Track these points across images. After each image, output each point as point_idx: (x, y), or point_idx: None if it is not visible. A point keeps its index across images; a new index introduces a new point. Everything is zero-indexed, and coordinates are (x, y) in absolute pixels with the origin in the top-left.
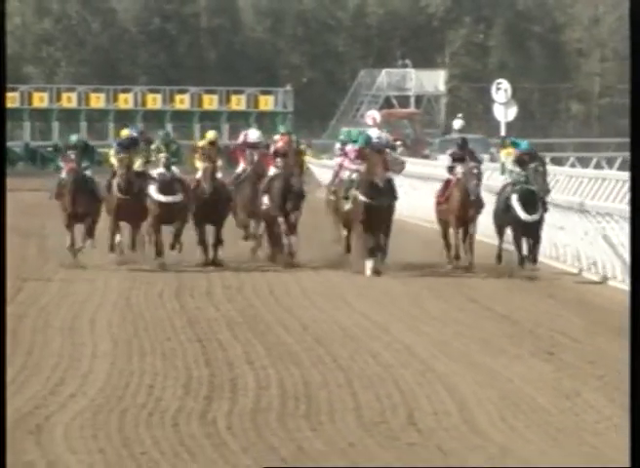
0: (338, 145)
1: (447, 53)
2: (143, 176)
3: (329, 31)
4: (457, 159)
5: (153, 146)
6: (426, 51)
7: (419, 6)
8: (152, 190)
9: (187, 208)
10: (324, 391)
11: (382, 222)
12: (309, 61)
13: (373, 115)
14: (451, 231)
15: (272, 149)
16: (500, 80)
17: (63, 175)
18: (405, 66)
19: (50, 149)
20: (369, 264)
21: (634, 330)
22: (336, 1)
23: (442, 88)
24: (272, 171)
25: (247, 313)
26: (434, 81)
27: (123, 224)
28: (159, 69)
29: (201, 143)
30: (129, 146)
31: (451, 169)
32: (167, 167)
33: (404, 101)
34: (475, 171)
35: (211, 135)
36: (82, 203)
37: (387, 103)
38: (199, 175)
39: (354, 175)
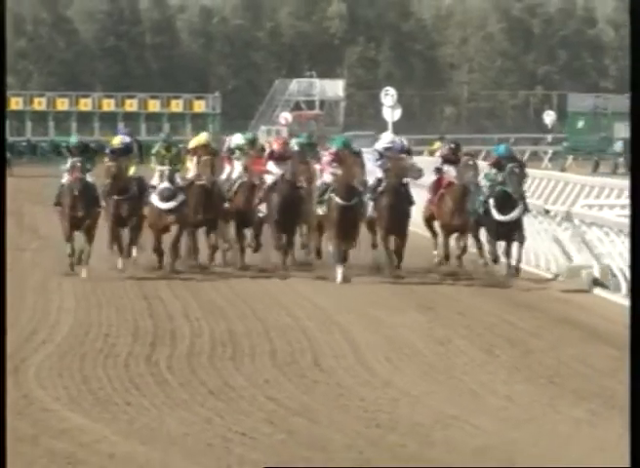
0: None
1: (345, 65)
2: (138, 182)
3: (250, 48)
4: (447, 161)
5: (154, 151)
6: (328, 64)
7: (322, 27)
8: (153, 199)
9: (185, 213)
10: (246, 338)
11: (355, 226)
12: (234, 72)
13: (285, 116)
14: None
15: (267, 152)
16: (387, 87)
17: (66, 181)
18: (311, 77)
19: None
20: (339, 270)
21: (634, 333)
22: (255, 23)
23: (341, 94)
24: (269, 177)
25: (188, 283)
26: (335, 88)
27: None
28: (112, 78)
29: (193, 145)
30: (121, 154)
31: (438, 170)
32: (170, 180)
33: (310, 105)
34: (470, 162)
35: (202, 137)
36: (83, 209)
37: (297, 107)
38: (191, 175)
39: (328, 179)
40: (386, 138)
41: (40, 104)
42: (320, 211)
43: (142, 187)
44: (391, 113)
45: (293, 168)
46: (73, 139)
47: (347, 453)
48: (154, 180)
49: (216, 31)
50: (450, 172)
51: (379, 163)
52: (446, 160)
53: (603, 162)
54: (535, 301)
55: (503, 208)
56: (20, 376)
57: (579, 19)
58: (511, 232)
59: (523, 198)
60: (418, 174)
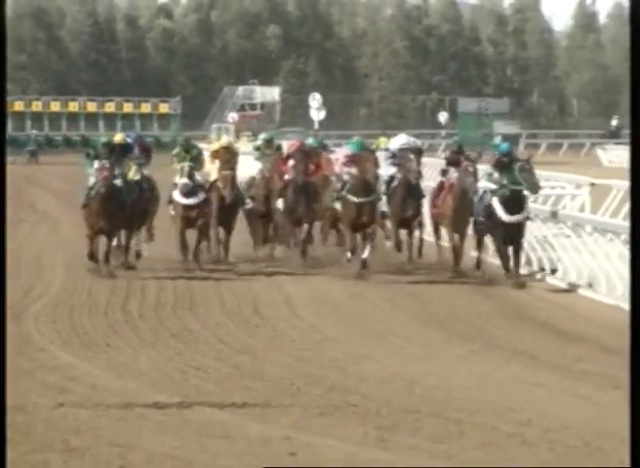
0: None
1: (280, 75)
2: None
3: (204, 61)
4: (451, 163)
5: (174, 152)
6: (267, 74)
7: (262, 45)
8: (176, 195)
9: (209, 211)
10: (201, 293)
11: (370, 222)
12: (191, 81)
13: (233, 116)
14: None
15: (284, 154)
16: (314, 93)
17: (94, 182)
18: (253, 84)
19: (87, 153)
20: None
21: (634, 333)
22: (208, 41)
23: (277, 98)
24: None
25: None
26: (272, 94)
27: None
28: (95, 85)
29: (214, 148)
30: (119, 152)
31: (444, 172)
32: (190, 177)
33: (253, 107)
34: (470, 168)
35: (224, 140)
36: (111, 213)
37: (242, 108)
38: (213, 178)
39: (345, 177)
40: (401, 140)
41: (37, 106)
42: (338, 206)
43: (150, 186)
44: (317, 114)
45: (300, 166)
46: (102, 139)
47: (281, 383)
48: (176, 178)
49: (176, 48)
50: (453, 174)
51: (390, 161)
52: (450, 162)
53: (485, 152)
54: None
55: (510, 209)
56: (21, 322)
57: (466, 38)
58: (518, 236)
59: (536, 188)
60: (419, 175)
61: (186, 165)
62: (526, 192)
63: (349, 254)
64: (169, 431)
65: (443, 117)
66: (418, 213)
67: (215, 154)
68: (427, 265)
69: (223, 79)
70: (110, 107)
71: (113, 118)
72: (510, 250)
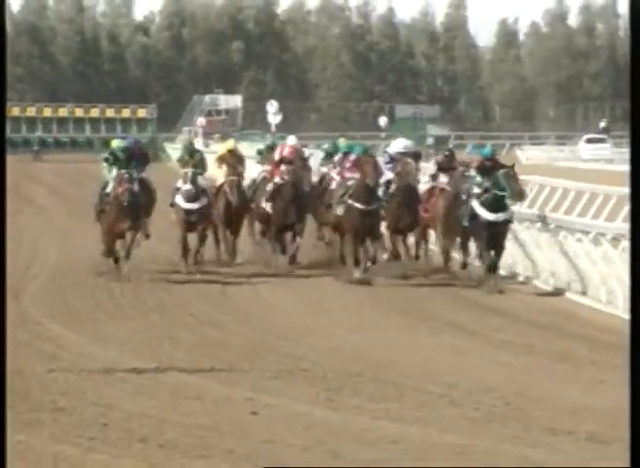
0: (321, 155)
1: (242, 85)
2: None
3: (176, 72)
4: (442, 168)
5: (177, 156)
6: (231, 84)
7: (227, 58)
8: (178, 199)
9: (210, 215)
10: (175, 274)
11: (373, 228)
12: (165, 89)
13: (201, 120)
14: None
15: (277, 157)
16: (271, 100)
17: (112, 191)
18: (219, 93)
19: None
20: (356, 273)
21: (634, 333)
22: (180, 55)
23: (239, 105)
24: (277, 178)
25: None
26: (235, 101)
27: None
28: (82, 94)
29: (221, 152)
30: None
31: (434, 177)
32: (193, 182)
33: (218, 113)
34: (466, 173)
35: (230, 143)
36: (130, 220)
37: (209, 114)
38: (219, 182)
39: (350, 182)
40: (400, 144)
41: (31, 112)
42: (339, 211)
43: (148, 189)
44: (274, 118)
45: (296, 171)
46: (120, 144)
47: (242, 351)
48: (179, 183)
49: (152, 61)
50: (443, 179)
51: (389, 166)
52: (441, 168)
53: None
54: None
55: (493, 209)
56: (20, 299)
57: (402, 53)
58: (501, 239)
59: (521, 197)
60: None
61: (190, 170)
62: (509, 200)
63: (356, 273)
64: (145, 393)
65: (383, 121)
66: (416, 219)
67: (221, 159)
68: (418, 269)
69: (193, 88)
70: (95, 112)
71: (97, 122)
72: (492, 253)
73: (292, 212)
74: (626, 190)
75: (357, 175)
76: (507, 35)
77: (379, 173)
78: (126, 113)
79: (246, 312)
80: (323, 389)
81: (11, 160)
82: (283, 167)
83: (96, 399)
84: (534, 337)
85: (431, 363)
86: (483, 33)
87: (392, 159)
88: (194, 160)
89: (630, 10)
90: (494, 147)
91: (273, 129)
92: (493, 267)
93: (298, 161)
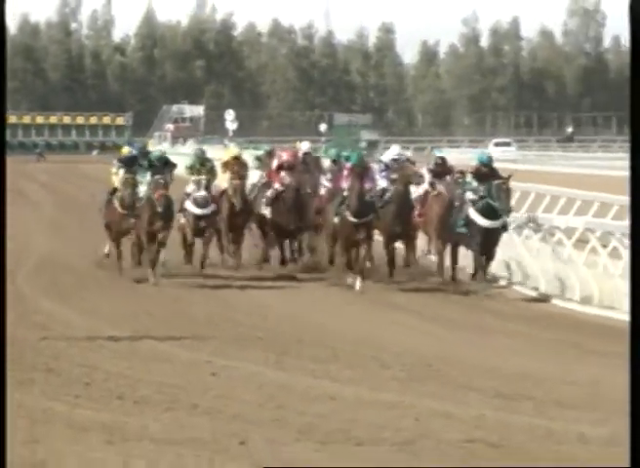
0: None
1: (204, 97)
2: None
3: (148, 86)
4: (436, 175)
5: (188, 164)
6: (195, 96)
7: (191, 74)
8: (188, 204)
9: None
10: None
11: (365, 239)
12: (139, 101)
13: (169, 127)
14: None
15: (276, 163)
16: (229, 110)
17: (145, 195)
18: (185, 103)
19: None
20: (352, 280)
21: (634, 333)
22: (151, 72)
23: (202, 113)
24: (277, 184)
25: None
26: (198, 110)
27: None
28: (69, 104)
29: (225, 158)
30: (129, 163)
31: (432, 185)
32: (207, 188)
33: (184, 120)
34: (460, 180)
35: (234, 150)
36: (163, 224)
37: (176, 121)
38: (223, 187)
39: (346, 193)
40: (394, 151)
41: (26, 119)
42: (336, 219)
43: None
44: (231, 125)
45: (298, 176)
46: (156, 153)
47: (217, 324)
48: (189, 189)
49: (128, 76)
50: (438, 185)
51: (383, 174)
52: (435, 175)
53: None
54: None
55: (487, 216)
56: (15, 281)
57: (340, 70)
58: (493, 246)
59: (508, 213)
60: (420, 179)
61: (203, 178)
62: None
63: (349, 279)
64: (123, 357)
65: (323, 127)
66: (410, 225)
67: (225, 165)
68: (410, 273)
69: (162, 99)
70: (80, 120)
71: (82, 128)
72: (483, 258)
73: (292, 217)
74: (530, 185)
75: (350, 186)
76: (428, 55)
77: (374, 181)
78: (106, 120)
79: (217, 295)
80: (273, 353)
81: (10, 161)
82: (283, 173)
83: (80, 362)
84: (458, 312)
85: (368, 332)
86: (408, 53)
87: (387, 167)
88: (206, 168)
89: (630, 10)
90: (489, 155)
91: (230, 134)
92: (483, 272)
93: (299, 166)
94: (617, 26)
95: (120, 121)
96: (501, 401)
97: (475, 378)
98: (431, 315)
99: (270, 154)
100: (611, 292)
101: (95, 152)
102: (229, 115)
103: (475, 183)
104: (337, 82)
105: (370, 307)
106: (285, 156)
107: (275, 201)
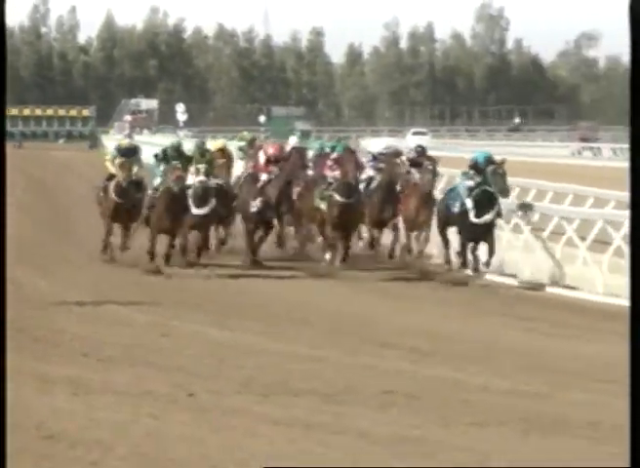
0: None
1: (158, 92)
2: (140, 184)
3: (109, 82)
4: (413, 164)
5: (188, 155)
6: (150, 91)
7: (146, 72)
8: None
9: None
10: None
11: (354, 222)
12: (100, 96)
13: (127, 118)
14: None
15: (263, 157)
16: (179, 103)
17: (159, 183)
18: (141, 98)
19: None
20: (330, 256)
21: (634, 332)
22: (110, 70)
23: (156, 106)
24: (264, 176)
25: None
26: (153, 104)
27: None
28: (39, 98)
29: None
30: (127, 154)
31: (408, 173)
32: (207, 175)
33: (141, 112)
34: (430, 167)
35: (219, 142)
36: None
37: (134, 113)
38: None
39: (331, 179)
40: (383, 143)
41: (11, 112)
42: (322, 205)
43: (143, 187)
44: (181, 117)
45: (287, 167)
46: (174, 143)
47: (160, 290)
48: (189, 180)
49: (91, 74)
50: (415, 174)
51: (371, 164)
52: (412, 163)
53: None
54: None
55: (481, 209)
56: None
57: (277, 68)
58: (483, 234)
59: (507, 194)
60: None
61: (202, 166)
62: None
63: (328, 255)
64: (88, 321)
65: (262, 119)
66: (394, 213)
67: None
68: (392, 262)
69: (121, 94)
70: (50, 112)
71: (52, 119)
72: (477, 246)
73: (274, 209)
74: (445, 170)
75: (339, 173)
76: (354, 55)
77: (360, 168)
78: (73, 112)
79: (181, 273)
80: (217, 315)
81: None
82: (271, 166)
83: (50, 324)
84: (397, 285)
85: (309, 298)
86: (336, 53)
87: (375, 158)
88: (205, 159)
89: (630, 10)
90: (487, 153)
91: (181, 124)
92: (476, 261)
93: (286, 159)
94: (518, 30)
95: (85, 113)
96: (416, 355)
97: (392, 336)
98: (373, 288)
99: (252, 144)
100: (515, 262)
101: (61, 141)
102: (180, 108)
103: (472, 172)
104: (274, 79)
105: (330, 283)
106: (272, 150)
107: (261, 193)
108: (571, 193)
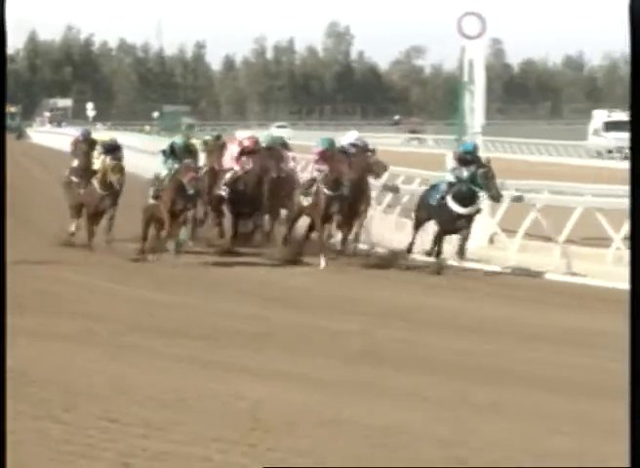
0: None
1: (72, 93)
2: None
3: (32, 85)
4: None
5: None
6: (66, 93)
7: (63, 78)
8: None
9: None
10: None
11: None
12: (26, 96)
13: (47, 114)
14: None
15: (238, 149)
16: (89, 102)
17: (165, 175)
18: (58, 98)
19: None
20: (322, 258)
21: (634, 331)
22: (34, 76)
23: (70, 105)
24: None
25: None
26: (67, 102)
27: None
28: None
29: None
30: (112, 150)
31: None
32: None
33: (58, 110)
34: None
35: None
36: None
37: (52, 110)
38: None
39: (316, 174)
40: (352, 136)
41: None
42: (305, 201)
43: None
44: (91, 113)
45: (260, 161)
46: (179, 140)
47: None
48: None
49: (18, 79)
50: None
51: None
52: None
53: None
54: None
55: (462, 202)
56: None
57: (168, 74)
58: (461, 227)
59: (500, 198)
60: (383, 169)
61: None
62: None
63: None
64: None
65: (156, 114)
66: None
67: (207, 145)
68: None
69: (42, 95)
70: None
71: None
72: (455, 238)
73: (247, 200)
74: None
75: (325, 167)
76: (229, 63)
77: (346, 163)
78: (11, 109)
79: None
80: (163, 283)
81: None
82: (244, 157)
83: (32, 286)
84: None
85: (268, 276)
86: (215, 62)
87: (345, 152)
88: (190, 152)
89: (630, 10)
90: (475, 143)
91: (90, 119)
92: (461, 251)
93: (259, 152)
94: (361, 44)
95: (13, 110)
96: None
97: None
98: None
99: (218, 139)
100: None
101: None
102: (89, 106)
103: (458, 168)
104: (166, 83)
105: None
106: (246, 142)
107: (234, 184)
108: (403, 175)
